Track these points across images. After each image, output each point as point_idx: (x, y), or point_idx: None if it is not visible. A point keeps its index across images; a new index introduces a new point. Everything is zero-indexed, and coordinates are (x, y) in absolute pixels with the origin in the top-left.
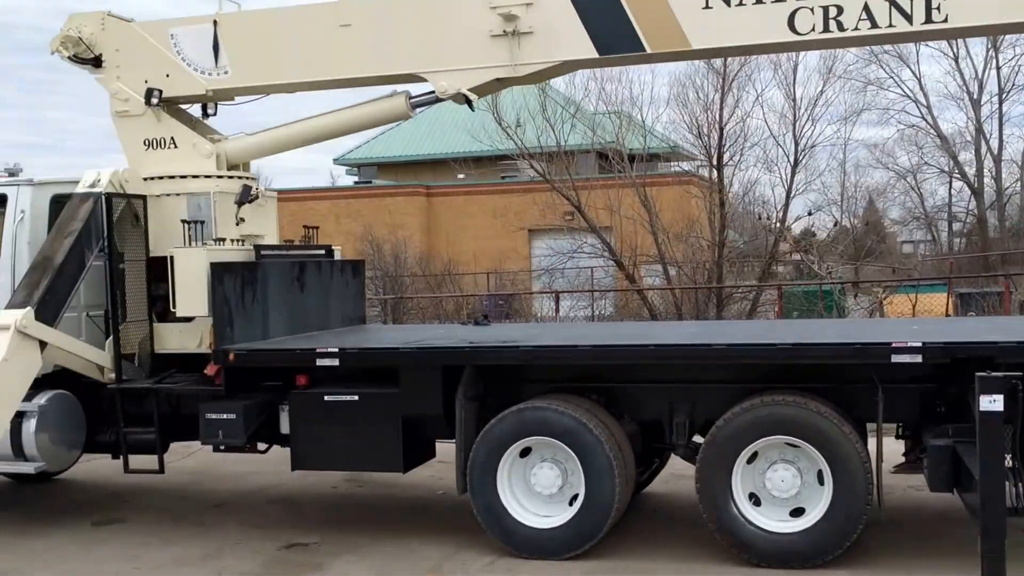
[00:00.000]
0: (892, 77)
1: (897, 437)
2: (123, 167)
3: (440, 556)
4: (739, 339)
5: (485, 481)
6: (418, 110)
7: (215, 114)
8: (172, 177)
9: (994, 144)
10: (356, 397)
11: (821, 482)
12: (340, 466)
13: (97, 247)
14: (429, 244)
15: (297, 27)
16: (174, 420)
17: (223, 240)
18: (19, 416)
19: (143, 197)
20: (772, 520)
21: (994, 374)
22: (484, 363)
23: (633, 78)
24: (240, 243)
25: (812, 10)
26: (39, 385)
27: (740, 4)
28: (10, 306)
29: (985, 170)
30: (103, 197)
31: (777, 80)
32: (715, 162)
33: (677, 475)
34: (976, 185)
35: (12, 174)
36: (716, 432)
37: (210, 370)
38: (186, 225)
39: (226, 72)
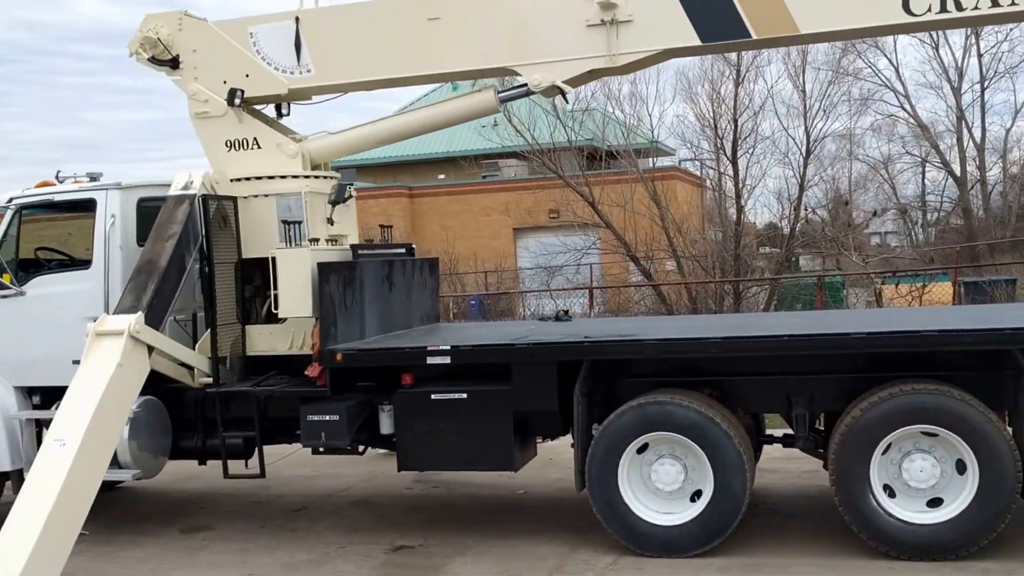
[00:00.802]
0: (871, 67)
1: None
2: (210, 169)
3: (556, 556)
4: (837, 329)
5: (605, 478)
6: (505, 104)
7: (289, 114)
8: (259, 178)
9: (976, 133)
10: (465, 395)
11: (960, 471)
12: (448, 466)
13: (195, 250)
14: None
15: (383, 22)
16: (262, 423)
17: (317, 240)
18: None
19: (233, 199)
20: (910, 511)
21: None
22: (604, 358)
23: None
24: (333, 243)
25: None
26: None
27: None
28: (118, 311)
29: (968, 159)
30: (199, 199)
31: (788, 71)
32: (730, 155)
33: (761, 468)
34: (959, 174)
35: (94, 179)
36: (853, 423)
37: (313, 371)
38: (285, 226)
39: (309, 70)
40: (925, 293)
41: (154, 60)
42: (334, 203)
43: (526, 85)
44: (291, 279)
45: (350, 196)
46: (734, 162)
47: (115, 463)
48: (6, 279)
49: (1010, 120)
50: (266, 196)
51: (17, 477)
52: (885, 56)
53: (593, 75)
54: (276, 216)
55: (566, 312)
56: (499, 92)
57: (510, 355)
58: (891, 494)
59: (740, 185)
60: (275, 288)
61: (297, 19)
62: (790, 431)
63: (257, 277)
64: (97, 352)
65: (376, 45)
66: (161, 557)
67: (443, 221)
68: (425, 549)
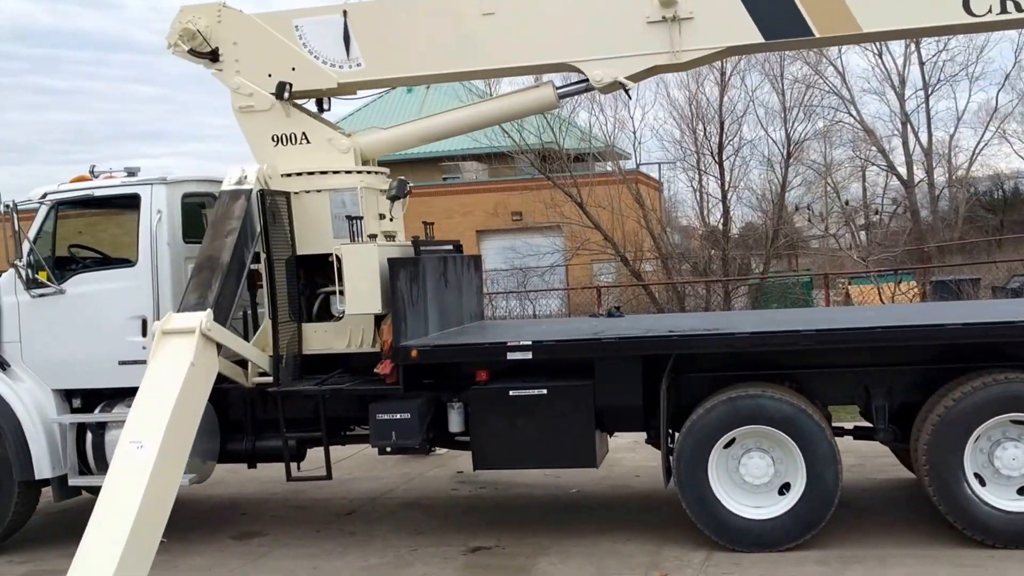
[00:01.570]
0: (817, 73)
1: None
2: (265, 164)
3: (644, 554)
4: (905, 322)
5: (695, 473)
6: (563, 100)
7: (330, 109)
8: (312, 173)
9: (923, 137)
10: (545, 391)
11: None
12: (527, 464)
13: (253, 246)
14: None
15: (436, 16)
16: (316, 424)
17: (374, 237)
18: None
19: (287, 194)
20: (1002, 499)
21: None
22: (693, 352)
23: None
24: (389, 239)
25: None
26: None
27: None
28: (183, 308)
29: (916, 162)
30: (258, 194)
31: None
32: (716, 156)
33: None
34: (907, 177)
35: (131, 173)
36: (946, 413)
37: (384, 368)
38: (350, 221)
39: (359, 64)
40: (891, 293)
41: (193, 52)
42: (394, 199)
43: (585, 81)
44: (359, 275)
45: (409, 192)
46: (720, 164)
47: None
48: (43, 277)
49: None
50: (319, 192)
51: (58, 484)
52: (830, 63)
53: (655, 71)
54: (330, 212)
55: (618, 308)
56: (558, 88)
57: (595, 350)
58: (982, 483)
59: (726, 187)
60: (339, 284)
61: (345, 12)
62: (860, 424)
63: (310, 274)
64: (166, 351)
65: (429, 39)
66: (224, 564)
67: (405, 224)
68: (502, 550)
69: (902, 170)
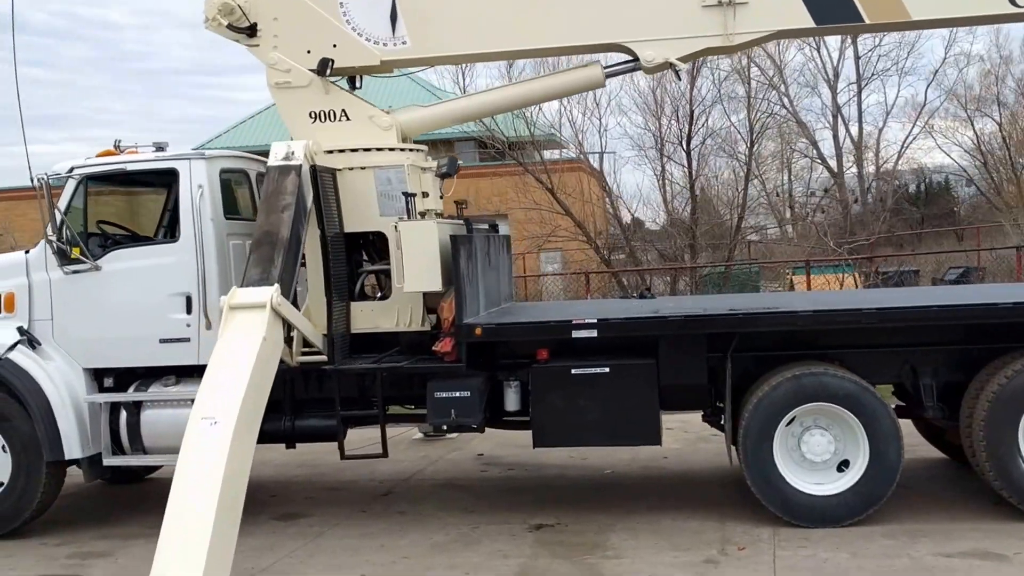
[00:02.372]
0: (755, 64)
1: None
2: (310, 140)
3: (710, 529)
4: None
5: (761, 451)
6: (610, 80)
7: (361, 87)
8: (355, 150)
9: (854, 130)
10: (607, 369)
11: None
12: (588, 441)
13: (306, 222)
14: None
15: None
16: (354, 404)
17: (423, 214)
18: None
19: (334, 171)
20: None
21: None
22: (758, 330)
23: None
24: (439, 216)
25: None
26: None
27: None
28: (246, 284)
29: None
30: (312, 170)
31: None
32: (685, 146)
33: None
34: (836, 170)
35: (160, 148)
36: (1000, 391)
37: (445, 346)
38: (406, 198)
39: (404, 42)
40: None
41: (231, 27)
42: (444, 176)
43: (633, 61)
44: (418, 252)
45: (459, 169)
46: (688, 152)
47: None
48: (76, 253)
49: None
50: (363, 169)
51: (88, 464)
52: (768, 56)
53: (705, 53)
54: (375, 189)
55: (648, 290)
56: (605, 67)
57: (661, 328)
58: None
59: (694, 176)
60: (379, 263)
61: None
62: (901, 403)
63: (349, 252)
64: (235, 326)
65: (478, 19)
66: (283, 545)
67: None
68: (565, 527)
69: (832, 163)
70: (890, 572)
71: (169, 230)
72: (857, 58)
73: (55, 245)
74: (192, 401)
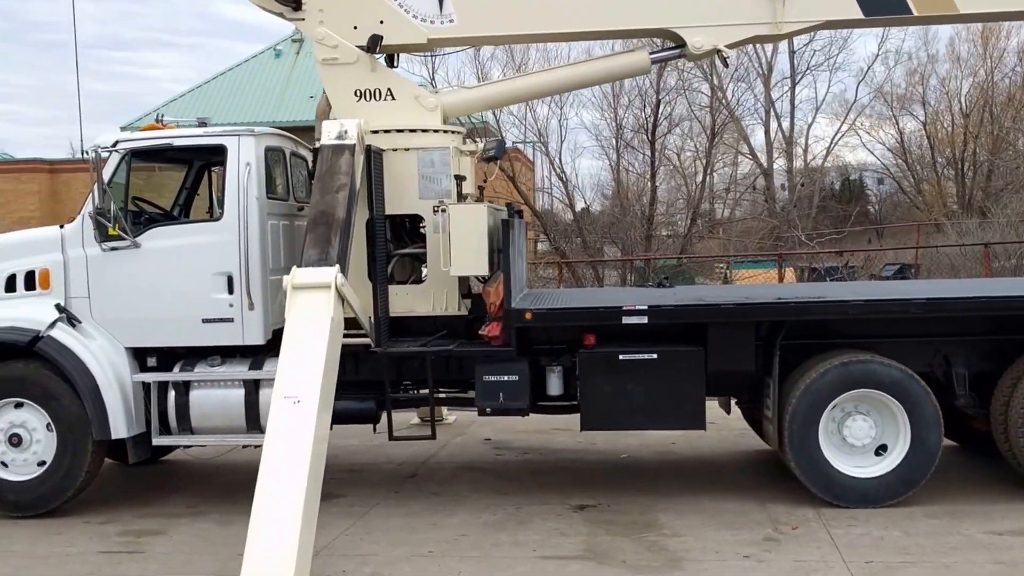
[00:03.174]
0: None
1: None
2: (362, 119)
3: (754, 511)
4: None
5: (807, 435)
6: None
7: (397, 65)
8: (400, 131)
9: (785, 124)
10: (655, 355)
11: None
12: (635, 425)
13: (357, 202)
14: None
15: None
16: (402, 386)
17: (465, 198)
18: (255, 385)
19: (382, 152)
20: None
21: None
22: (807, 319)
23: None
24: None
25: None
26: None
27: None
28: (306, 264)
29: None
30: (368, 150)
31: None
32: (650, 136)
33: None
34: (766, 165)
35: (203, 123)
36: None
37: (492, 330)
38: (457, 181)
39: (452, 20)
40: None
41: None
42: (491, 159)
43: (679, 48)
44: (467, 236)
45: (506, 152)
46: (652, 143)
47: (257, 427)
48: (114, 230)
49: (811, 116)
50: (406, 150)
51: (132, 443)
52: None
53: (753, 40)
54: (417, 171)
55: (667, 279)
56: (651, 53)
57: (711, 315)
58: None
59: (655, 166)
60: (413, 246)
61: None
62: None
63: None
64: (302, 306)
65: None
66: (333, 524)
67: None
68: (608, 507)
69: (762, 156)
70: (948, 548)
71: (209, 208)
72: (792, 52)
73: (98, 220)
74: (240, 382)
